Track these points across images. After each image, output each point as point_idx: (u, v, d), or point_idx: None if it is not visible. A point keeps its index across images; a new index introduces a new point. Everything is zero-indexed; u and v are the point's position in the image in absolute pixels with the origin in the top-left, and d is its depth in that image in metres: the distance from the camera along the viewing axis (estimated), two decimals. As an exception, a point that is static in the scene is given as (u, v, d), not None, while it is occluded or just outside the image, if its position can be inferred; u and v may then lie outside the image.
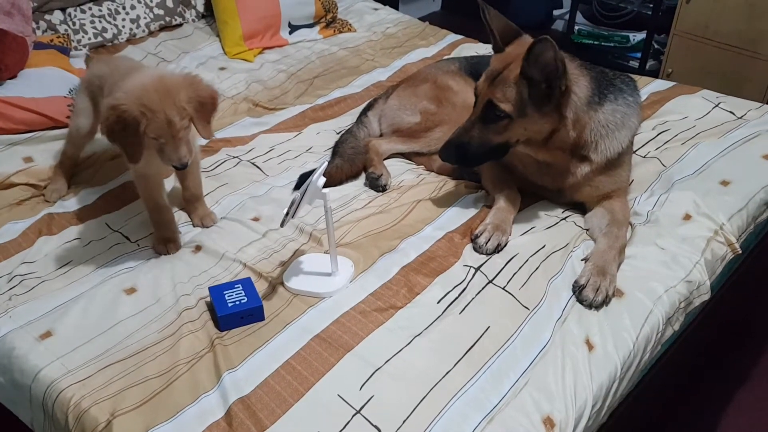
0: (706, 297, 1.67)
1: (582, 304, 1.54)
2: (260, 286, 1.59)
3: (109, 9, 2.83)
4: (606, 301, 1.53)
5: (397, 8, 3.93)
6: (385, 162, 2.10)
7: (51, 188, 1.97)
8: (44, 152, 2.13)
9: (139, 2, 2.90)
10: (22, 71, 2.33)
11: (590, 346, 1.44)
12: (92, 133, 1.96)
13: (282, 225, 1.52)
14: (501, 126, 1.68)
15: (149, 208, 1.77)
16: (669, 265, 1.64)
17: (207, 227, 1.83)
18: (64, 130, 2.10)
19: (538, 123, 1.66)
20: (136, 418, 1.28)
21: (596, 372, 1.40)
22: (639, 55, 3.98)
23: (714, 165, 1.98)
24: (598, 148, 1.74)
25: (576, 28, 4.22)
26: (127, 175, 2.03)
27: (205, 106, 1.57)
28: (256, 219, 1.84)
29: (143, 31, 2.92)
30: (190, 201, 1.86)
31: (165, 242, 1.74)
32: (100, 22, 2.80)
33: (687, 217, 1.79)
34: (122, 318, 1.52)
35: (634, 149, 1.98)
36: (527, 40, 1.73)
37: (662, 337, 1.56)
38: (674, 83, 2.52)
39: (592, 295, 1.53)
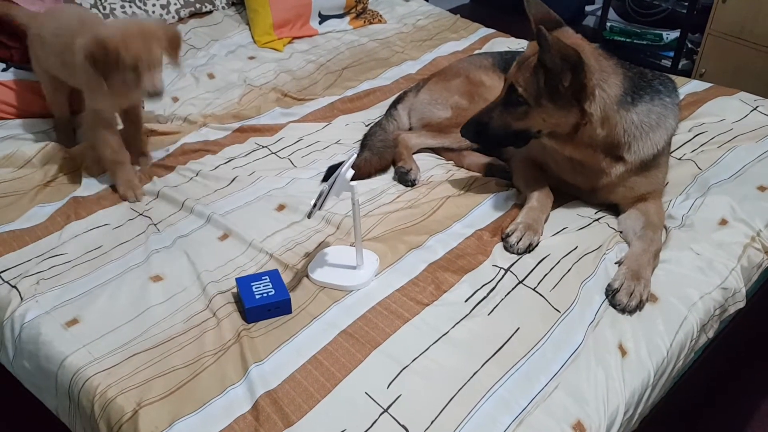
0: (742, 305, 1.64)
1: (615, 309, 1.51)
2: (285, 278, 1.58)
3: (140, -7, 2.83)
4: (640, 306, 1.50)
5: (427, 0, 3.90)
6: (414, 156, 2.08)
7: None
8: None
9: (170, -13, 2.90)
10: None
11: (623, 352, 1.41)
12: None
13: (309, 216, 1.52)
14: (520, 112, 1.67)
15: (105, 156, 1.91)
16: (704, 271, 1.61)
17: (141, 167, 2.01)
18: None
19: (556, 115, 1.64)
20: (163, 408, 1.27)
21: (629, 378, 1.37)
22: (672, 54, 3.91)
23: (751, 170, 1.94)
24: (631, 149, 1.71)
25: (608, 24, 4.16)
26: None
27: (174, 41, 1.82)
28: (281, 209, 1.83)
29: (173, 17, 2.91)
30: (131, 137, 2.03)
31: (130, 187, 1.90)
32: (131, 6, 2.79)
33: (723, 222, 1.75)
34: (148, 306, 1.52)
35: (670, 151, 1.94)
36: (567, 31, 1.70)
37: (696, 344, 1.53)
38: (711, 84, 2.47)
39: (625, 299, 1.50)
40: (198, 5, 2.99)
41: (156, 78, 1.76)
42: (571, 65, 1.55)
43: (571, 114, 1.63)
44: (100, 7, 2.72)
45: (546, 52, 1.54)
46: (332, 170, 1.97)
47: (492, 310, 1.49)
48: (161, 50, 1.76)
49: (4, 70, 2.18)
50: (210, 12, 3.04)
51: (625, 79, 1.66)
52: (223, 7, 3.09)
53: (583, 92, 1.59)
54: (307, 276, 1.59)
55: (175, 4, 2.90)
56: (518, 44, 2.84)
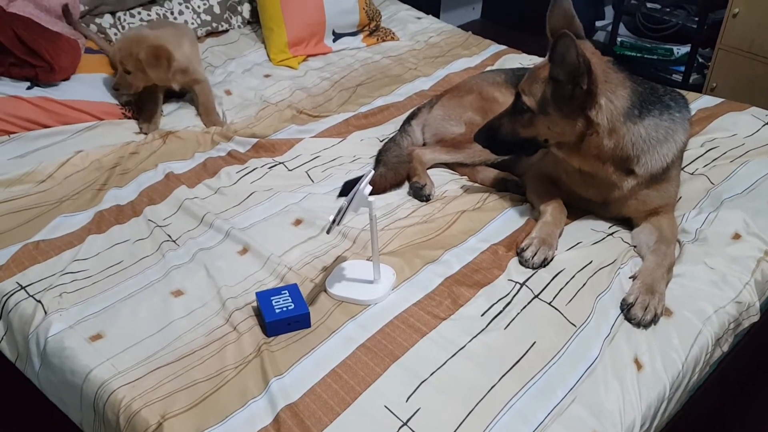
0: (756, 318, 1.65)
1: (630, 323, 1.53)
2: (304, 292, 1.60)
3: (157, 14, 2.87)
4: (654, 320, 1.52)
5: (438, 16, 3.94)
6: (429, 172, 2.10)
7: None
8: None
9: (187, 8, 2.94)
10: (75, 75, 2.37)
11: (639, 365, 1.43)
12: None
13: (328, 232, 1.54)
14: (525, 119, 1.72)
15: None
16: (718, 285, 1.62)
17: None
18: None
19: (561, 124, 1.67)
20: (186, 421, 1.30)
21: (645, 391, 1.38)
22: (682, 68, 3.93)
23: (764, 184, 1.96)
24: (640, 162, 1.72)
25: (619, 39, 4.18)
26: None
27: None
28: (298, 223, 1.86)
29: (190, 36, 2.95)
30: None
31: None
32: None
33: (736, 236, 1.76)
34: (170, 321, 1.54)
35: (682, 166, 1.95)
36: (585, 44, 1.72)
37: (711, 357, 1.55)
38: (722, 100, 2.49)
39: (640, 313, 1.51)
40: (215, 24, 3.04)
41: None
42: (584, 72, 1.57)
43: (576, 124, 1.65)
44: (119, 27, 2.78)
45: (557, 63, 1.57)
46: (348, 185, 1.99)
47: (508, 324, 1.51)
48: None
49: (28, 88, 2.23)
50: (226, 31, 3.09)
51: (633, 93, 1.68)
52: (239, 26, 3.14)
53: (588, 102, 1.62)
54: (325, 290, 1.61)
55: (193, 23, 2.95)
56: (530, 60, 2.87)
